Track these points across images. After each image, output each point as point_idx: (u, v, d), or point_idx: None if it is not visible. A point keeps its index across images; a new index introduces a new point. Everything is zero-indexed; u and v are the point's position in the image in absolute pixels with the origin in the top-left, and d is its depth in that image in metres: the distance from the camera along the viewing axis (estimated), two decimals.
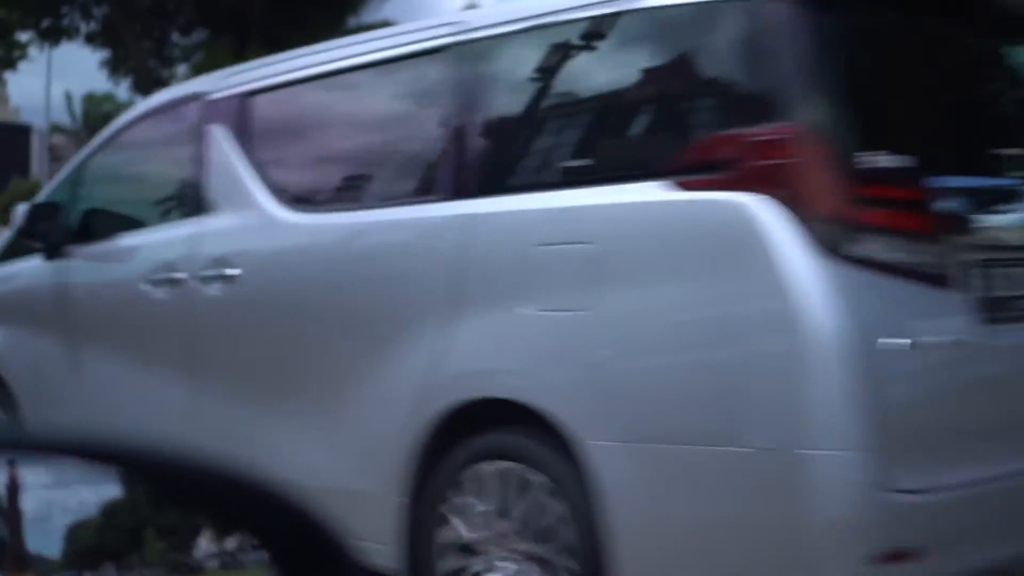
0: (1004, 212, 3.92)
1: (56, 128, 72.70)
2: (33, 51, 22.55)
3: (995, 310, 3.73)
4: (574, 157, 3.96)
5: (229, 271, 4.70)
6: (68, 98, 74.36)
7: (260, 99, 4.92)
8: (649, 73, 3.90)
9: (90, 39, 21.80)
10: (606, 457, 3.57)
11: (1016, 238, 3.93)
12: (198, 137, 5.06)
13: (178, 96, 5.52)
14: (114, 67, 22.29)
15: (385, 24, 45.14)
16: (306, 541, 1.40)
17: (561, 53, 4.06)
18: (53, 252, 5.65)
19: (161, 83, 22.24)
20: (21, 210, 5.84)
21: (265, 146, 4.86)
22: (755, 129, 3.50)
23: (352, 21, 40.11)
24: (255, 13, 21.04)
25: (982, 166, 3.98)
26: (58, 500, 1.42)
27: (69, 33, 21.52)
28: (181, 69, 22.36)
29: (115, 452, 1.45)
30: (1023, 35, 4.34)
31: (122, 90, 24.70)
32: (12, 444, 1.44)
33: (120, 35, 21.29)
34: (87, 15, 21.55)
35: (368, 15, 47.71)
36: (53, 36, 21.64)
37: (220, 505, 1.41)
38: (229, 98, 5.00)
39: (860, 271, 3.42)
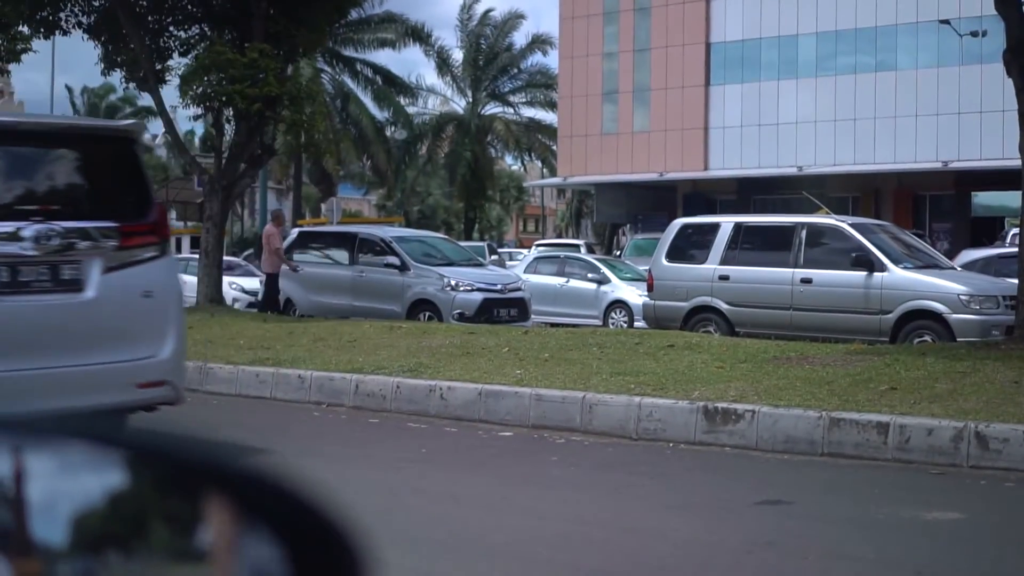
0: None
1: None
2: (37, 44, 22.37)
3: None
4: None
5: None
6: (68, 91, 74.57)
7: None
8: None
9: (85, 29, 21.64)
10: None
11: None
12: None
13: None
14: (109, 61, 22.09)
15: (386, 17, 44.75)
16: (316, 534, 1.40)
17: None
18: None
19: (158, 76, 22.17)
20: None
21: None
22: None
23: (354, 14, 40.00)
24: (256, 6, 20.93)
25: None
26: (63, 487, 1.42)
27: (61, 27, 21.37)
28: (181, 62, 22.24)
29: (126, 439, 1.46)
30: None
31: (117, 83, 24.49)
32: (17, 430, 1.45)
33: (119, 27, 21.19)
34: (86, 9, 21.44)
35: (370, 8, 47.60)
36: (47, 28, 21.48)
37: (232, 495, 1.41)
38: None
39: None
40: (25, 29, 21.74)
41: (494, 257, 36.57)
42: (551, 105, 55.13)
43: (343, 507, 1.40)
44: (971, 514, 6.95)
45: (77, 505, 1.38)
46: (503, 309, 20.05)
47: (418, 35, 53.83)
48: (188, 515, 1.43)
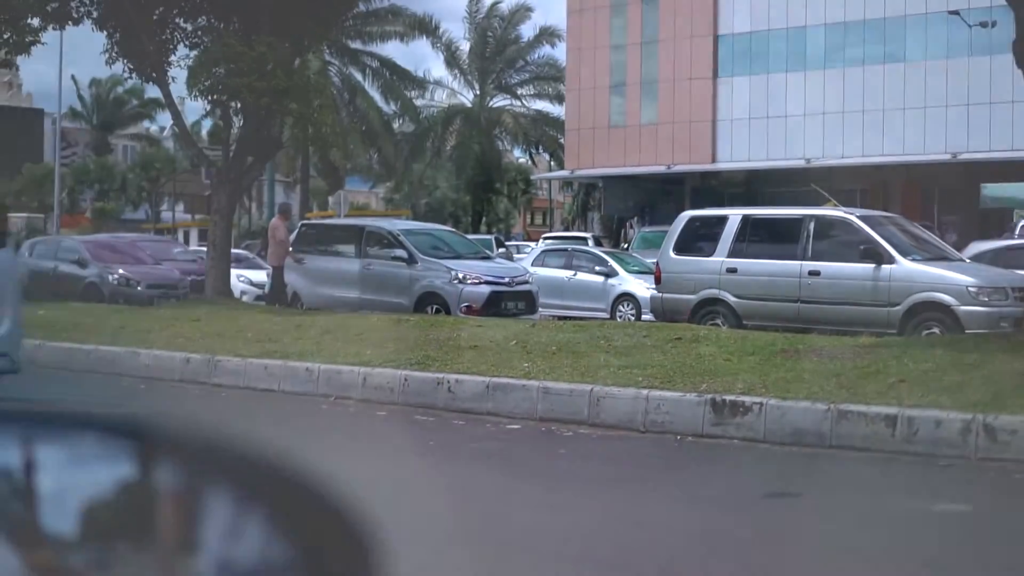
0: None
1: (74, 112, 72.67)
2: (46, 36, 22.34)
3: None
4: None
5: None
6: (75, 82, 74.53)
7: None
8: None
9: (94, 20, 21.62)
10: None
11: None
12: None
13: None
14: (118, 51, 22.06)
15: (392, 9, 44.62)
16: (329, 526, 1.40)
17: None
18: None
19: (164, 68, 22.18)
20: None
21: None
22: None
23: (361, 6, 39.95)
24: None
25: None
26: (73, 478, 1.43)
27: (72, 16, 21.34)
28: (188, 55, 22.20)
29: (149, 431, 1.46)
30: None
31: (124, 74, 24.41)
32: (29, 420, 1.45)
33: (127, 18, 21.17)
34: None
35: (377, 0, 47.51)
36: (58, 19, 21.46)
37: (239, 484, 1.41)
38: None
39: None
40: (34, 21, 21.76)
41: (501, 250, 36.55)
42: (559, 98, 55.08)
43: (353, 499, 1.41)
44: (979, 506, 6.95)
45: (88, 496, 1.38)
46: (511, 302, 20.04)
47: (425, 28, 53.80)
48: (196, 506, 1.43)
